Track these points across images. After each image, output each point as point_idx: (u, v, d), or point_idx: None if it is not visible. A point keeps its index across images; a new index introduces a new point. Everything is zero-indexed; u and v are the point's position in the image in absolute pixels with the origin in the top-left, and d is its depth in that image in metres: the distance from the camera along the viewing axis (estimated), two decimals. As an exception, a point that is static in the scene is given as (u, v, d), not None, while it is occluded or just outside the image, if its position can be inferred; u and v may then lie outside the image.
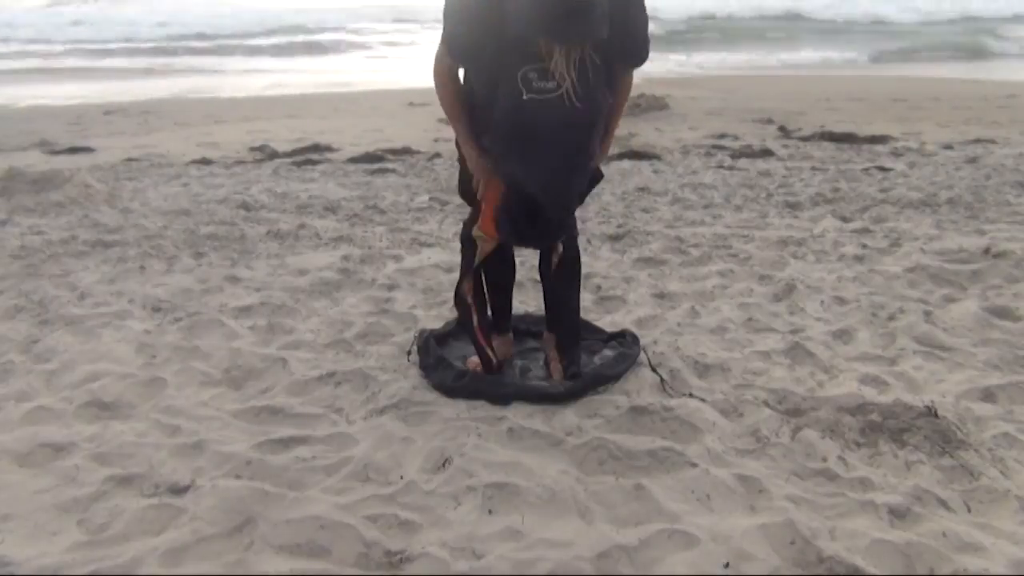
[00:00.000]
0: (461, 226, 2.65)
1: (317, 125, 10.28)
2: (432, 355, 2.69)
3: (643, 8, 2.23)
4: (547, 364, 2.71)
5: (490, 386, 2.51)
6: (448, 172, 6.85)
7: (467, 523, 1.88)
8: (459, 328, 2.99)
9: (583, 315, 3.18)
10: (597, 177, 2.52)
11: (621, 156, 7.58)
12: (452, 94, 2.33)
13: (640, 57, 2.31)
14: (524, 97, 2.14)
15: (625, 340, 2.79)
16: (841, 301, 3.38)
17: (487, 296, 2.69)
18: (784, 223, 4.84)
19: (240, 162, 7.86)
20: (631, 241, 4.42)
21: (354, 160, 7.78)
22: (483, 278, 2.66)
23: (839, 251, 4.16)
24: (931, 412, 2.31)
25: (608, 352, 2.74)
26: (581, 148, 2.24)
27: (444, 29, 2.23)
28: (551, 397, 2.46)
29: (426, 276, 3.81)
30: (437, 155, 7.93)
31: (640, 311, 3.28)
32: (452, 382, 2.54)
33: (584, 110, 2.17)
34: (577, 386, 2.51)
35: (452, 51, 2.24)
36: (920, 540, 1.78)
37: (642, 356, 2.73)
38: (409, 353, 2.82)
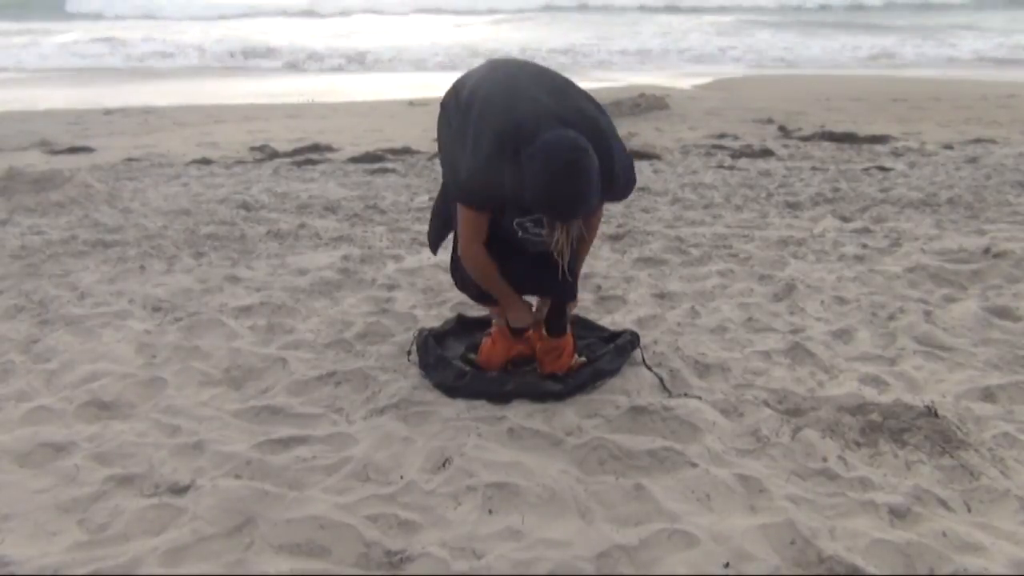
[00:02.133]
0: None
1: (317, 125, 10.28)
2: (432, 354, 2.69)
3: (624, 169, 2.38)
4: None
5: (490, 385, 2.52)
6: (448, 172, 6.84)
7: (467, 523, 1.88)
8: (459, 326, 2.99)
9: (583, 315, 3.19)
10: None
11: (621, 156, 7.57)
12: (490, 274, 2.52)
13: (616, 198, 2.52)
14: (519, 235, 2.42)
15: (625, 336, 2.79)
16: (841, 301, 3.38)
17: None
18: (784, 223, 4.84)
19: (240, 162, 7.86)
20: (631, 241, 4.42)
21: (354, 160, 7.78)
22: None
23: (839, 251, 4.16)
24: (931, 412, 2.31)
25: (607, 349, 2.74)
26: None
27: (462, 192, 2.43)
28: (552, 394, 2.47)
29: (426, 276, 3.81)
30: (437, 155, 7.92)
31: (640, 311, 3.28)
32: (453, 381, 2.54)
33: None
34: (577, 382, 2.52)
35: (473, 205, 2.42)
36: (920, 540, 1.78)
37: (637, 355, 2.73)
38: (409, 353, 2.82)
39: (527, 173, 2.16)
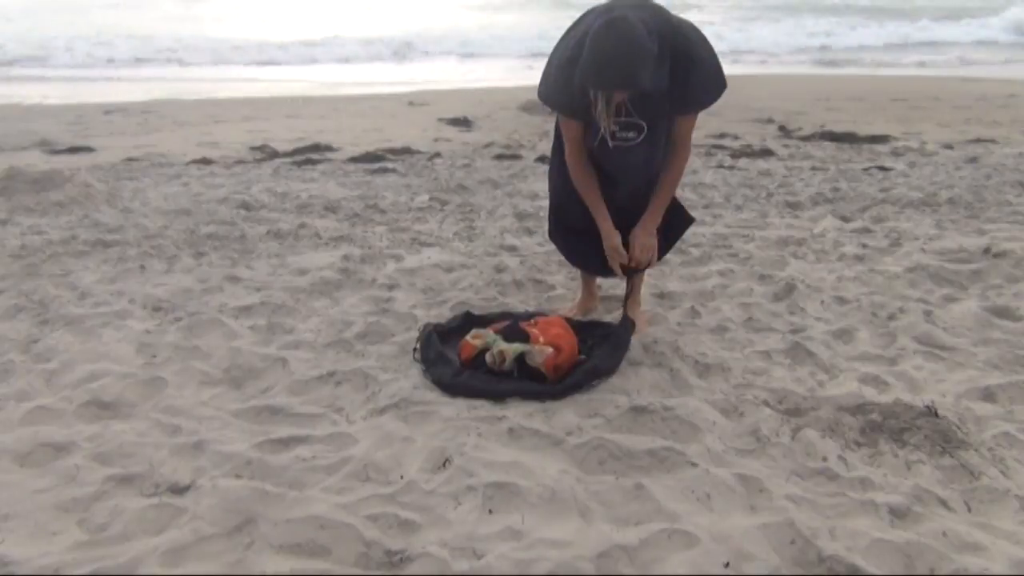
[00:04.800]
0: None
1: (317, 124, 10.27)
2: (433, 350, 2.69)
3: (706, 70, 2.48)
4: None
5: (486, 383, 2.52)
6: (448, 172, 6.85)
7: (467, 523, 1.88)
8: (466, 323, 2.99)
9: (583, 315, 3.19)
10: (687, 220, 3.06)
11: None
12: (589, 184, 2.72)
13: (694, 107, 2.60)
14: (610, 145, 2.57)
15: (620, 329, 2.79)
16: (841, 301, 3.38)
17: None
18: (784, 223, 4.84)
19: (240, 162, 7.85)
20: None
21: (354, 160, 7.78)
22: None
23: (839, 251, 4.16)
24: (931, 412, 2.31)
25: (604, 345, 2.74)
26: (650, 181, 2.73)
27: (546, 94, 2.61)
28: (549, 394, 2.47)
29: (426, 276, 3.81)
30: (437, 155, 7.93)
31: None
32: (450, 379, 2.55)
33: (655, 152, 2.63)
34: (572, 381, 2.53)
35: (549, 104, 2.64)
36: (920, 540, 1.78)
37: (635, 350, 2.73)
38: (415, 350, 2.82)
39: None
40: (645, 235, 2.71)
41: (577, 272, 3.32)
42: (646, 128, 2.49)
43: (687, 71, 2.40)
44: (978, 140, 8.40)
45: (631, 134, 2.50)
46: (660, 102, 2.50)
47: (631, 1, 2.45)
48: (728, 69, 2.58)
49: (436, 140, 8.82)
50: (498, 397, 2.47)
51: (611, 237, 2.73)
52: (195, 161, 7.84)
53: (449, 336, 2.87)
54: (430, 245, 4.41)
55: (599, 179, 2.73)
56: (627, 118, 2.52)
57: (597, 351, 2.69)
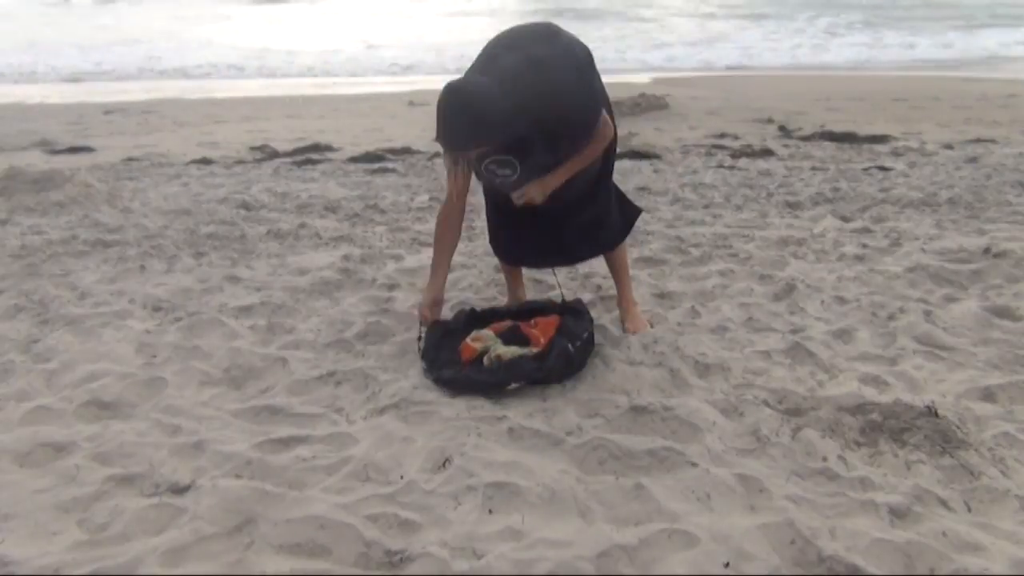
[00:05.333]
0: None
1: (317, 124, 10.27)
2: (445, 352, 2.70)
3: (576, 103, 2.54)
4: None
5: (489, 375, 2.55)
6: (448, 172, 6.85)
7: (467, 523, 1.88)
8: (470, 321, 3.00)
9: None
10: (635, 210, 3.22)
11: (621, 156, 7.58)
12: (440, 235, 2.91)
13: (587, 135, 2.64)
14: (496, 182, 2.69)
15: (574, 305, 2.92)
16: (841, 301, 3.38)
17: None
18: (784, 223, 4.84)
19: (240, 162, 7.86)
20: (631, 240, 4.41)
21: (354, 160, 7.78)
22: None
23: (839, 251, 4.16)
24: (931, 412, 2.31)
25: (566, 315, 2.83)
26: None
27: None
28: (540, 370, 2.53)
29: (426, 276, 3.80)
30: (437, 155, 7.93)
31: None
32: (452, 375, 2.57)
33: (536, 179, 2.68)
34: (555, 354, 2.56)
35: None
36: (920, 540, 1.78)
37: (635, 345, 2.78)
38: (419, 338, 2.83)
39: None
40: (536, 186, 2.72)
41: (577, 272, 3.33)
42: (519, 166, 2.61)
43: (557, 116, 2.49)
44: (978, 140, 8.41)
45: (507, 171, 2.63)
46: (529, 142, 2.56)
47: (522, 33, 2.57)
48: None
49: (436, 140, 8.82)
50: (497, 386, 2.50)
51: (430, 293, 2.88)
52: (195, 161, 7.84)
53: (453, 336, 2.87)
54: (430, 245, 4.41)
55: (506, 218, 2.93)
56: (499, 156, 2.61)
57: (564, 319, 2.78)
